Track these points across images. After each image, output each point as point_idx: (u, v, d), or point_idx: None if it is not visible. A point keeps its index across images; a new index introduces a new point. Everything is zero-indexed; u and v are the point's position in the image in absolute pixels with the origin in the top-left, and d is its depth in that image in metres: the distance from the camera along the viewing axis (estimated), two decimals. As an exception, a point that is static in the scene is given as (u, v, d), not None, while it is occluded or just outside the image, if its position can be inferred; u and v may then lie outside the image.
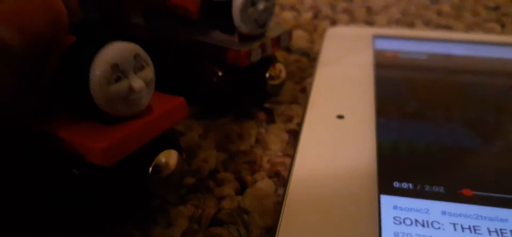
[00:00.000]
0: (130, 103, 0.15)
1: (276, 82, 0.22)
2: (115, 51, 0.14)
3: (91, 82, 0.14)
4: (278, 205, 0.17)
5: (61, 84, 0.15)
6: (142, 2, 0.23)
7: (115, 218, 0.16)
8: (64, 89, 0.15)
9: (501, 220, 0.15)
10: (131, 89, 0.14)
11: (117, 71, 0.14)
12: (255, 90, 0.22)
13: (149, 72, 0.15)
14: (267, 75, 0.22)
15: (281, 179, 0.18)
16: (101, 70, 0.14)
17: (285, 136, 0.21)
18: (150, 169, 0.15)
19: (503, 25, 0.34)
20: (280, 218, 0.15)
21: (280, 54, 0.29)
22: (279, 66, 0.22)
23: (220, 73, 0.21)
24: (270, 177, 0.19)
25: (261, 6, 0.20)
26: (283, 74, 0.22)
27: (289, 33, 0.22)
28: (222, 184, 0.18)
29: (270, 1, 0.21)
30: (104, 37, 0.15)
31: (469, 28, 0.34)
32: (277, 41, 0.22)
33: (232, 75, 0.21)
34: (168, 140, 0.16)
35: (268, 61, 0.22)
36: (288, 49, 0.30)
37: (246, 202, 0.17)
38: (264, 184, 0.18)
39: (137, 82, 0.14)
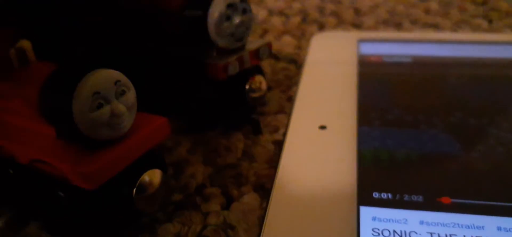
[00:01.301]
0: (112, 128, 0.15)
1: (256, 94, 0.22)
2: (96, 79, 0.15)
3: (74, 110, 0.14)
4: (262, 218, 0.17)
5: (44, 111, 0.16)
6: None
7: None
8: (47, 116, 0.16)
9: (478, 227, 0.15)
10: (113, 114, 0.15)
11: (99, 98, 0.15)
12: (236, 103, 0.22)
13: (130, 96, 0.15)
14: (247, 87, 0.22)
15: (266, 191, 0.19)
16: (83, 99, 0.14)
17: (271, 147, 0.22)
18: (135, 188, 0.16)
19: (490, 21, 0.35)
20: (262, 232, 0.15)
21: (267, 63, 0.29)
22: (259, 78, 0.22)
23: (202, 87, 0.22)
24: (255, 190, 0.19)
25: (236, 20, 0.21)
26: (264, 86, 0.23)
27: (268, 45, 0.23)
28: (208, 199, 0.19)
29: (247, 15, 0.21)
30: (85, 65, 0.15)
31: (456, 25, 0.34)
32: (255, 54, 0.22)
33: (213, 89, 0.22)
34: (152, 158, 0.17)
35: (247, 74, 0.22)
36: (276, 57, 0.30)
37: (232, 217, 0.18)
38: (250, 197, 0.19)
39: (118, 108, 0.15)
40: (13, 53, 0.16)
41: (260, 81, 0.22)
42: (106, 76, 0.15)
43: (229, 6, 0.20)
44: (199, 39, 0.21)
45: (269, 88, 0.26)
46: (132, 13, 0.23)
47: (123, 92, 0.15)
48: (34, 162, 0.16)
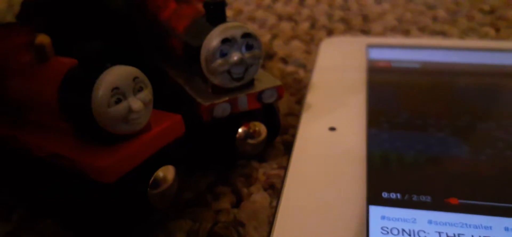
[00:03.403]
0: (130, 123, 0.16)
1: (252, 141, 0.20)
2: (115, 74, 0.15)
3: (93, 105, 0.15)
4: (272, 217, 0.17)
5: (63, 106, 0.16)
6: (157, 37, 0.23)
7: (117, 232, 0.17)
8: (66, 111, 0.16)
9: (485, 227, 0.15)
10: (130, 110, 0.15)
11: (117, 94, 0.15)
12: (224, 150, 0.20)
13: (147, 93, 0.16)
14: (240, 133, 0.19)
15: (276, 191, 0.19)
16: (102, 94, 0.15)
17: (281, 148, 0.22)
18: (149, 184, 0.16)
19: (497, 29, 0.35)
20: (272, 229, 0.16)
21: (276, 67, 0.30)
22: (255, 125, 0.20)
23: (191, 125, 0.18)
24: (265, 189, 0.19)
25: (234, 57, 0.18)
26: (262, 134, 0.20)
27: (278, 89, 0.20)
28: (218, 197, 0.19)
29: (251, 51, 0.18)
30: (103, 62, 0.15)
31: (464, 33, 0.34)
32: (257, 97, 0.19)
33: (200, 130, 0.19)
34: (166, 155, 0.17)
35: (242, 119, 0.19)
36: (285, 61, 0.31)
37: (242, 215, 0.18)
38: (260, 196, 0.19)
39: (136, 104, 0.15)
40: (33, 48, 0.17)
41: (254, 129, 0.19)
42: (124, 72, 0.15)
43: (226, 41, 0.18)
44: (197, 71, 0.19)
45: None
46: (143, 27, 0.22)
47: (140, 89, 0.16)
48: (51, 156, 0.16)
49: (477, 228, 0.15)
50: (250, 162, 0.21)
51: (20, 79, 0.17)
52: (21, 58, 0.17)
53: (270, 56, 0.32)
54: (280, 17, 0.39)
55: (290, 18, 0.39)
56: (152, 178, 0.16)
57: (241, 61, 0.18)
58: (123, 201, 0.16)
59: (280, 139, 0.23)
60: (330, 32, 0.36)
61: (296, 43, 0.34)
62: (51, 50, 0.17)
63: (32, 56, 0.17)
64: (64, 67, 0.16)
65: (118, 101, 0.15)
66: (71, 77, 0.16)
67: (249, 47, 0.18)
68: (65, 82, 0.16)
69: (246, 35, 0.18)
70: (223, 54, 0.18)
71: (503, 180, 0.17)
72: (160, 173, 0.16)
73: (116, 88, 0.15)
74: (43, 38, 0.17)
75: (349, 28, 0.36)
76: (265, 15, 0.40)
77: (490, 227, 0.15)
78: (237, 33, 0.18)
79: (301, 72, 0.29)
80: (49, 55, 0.17)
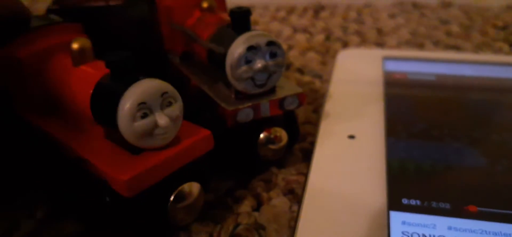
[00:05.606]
0: (155, 138, 0.16)
1: (274, 147, 0.20)
2: (143, 89, 0.15)
3: (118, 117, 0.15)
4: (293, 221, 0.18)
5: (94, 115, 0.16)
6: (180, 45, 0.23)
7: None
8: (97, 117, 0.16)
9: (505, 234, 0.15)
10: (156, 125, 0.15)
11: (144, 109, 0.15)
12: (245, 154, 0.20)
13: (175, 109, 0.16)
14: (262, 138, 0.20)
15: (295, 196, 0.19)
16: (128, 108, 0.15)
17: (299, 154, 0.22)
18: (171, 199, 0.16)
19: (511, 45, 0.35)
20: (295, 233, 0.16)
21: (292, 76, 0.30)
22: (276, 131, 0.20)
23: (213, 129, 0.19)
24: (284, 194, 0.20)
25: (258, 64, 0.19)
26: (283, 140, 0.20)
27: (300, 96, 0.20)
28: (239, 201, 0.19)
29: (275, 59, 0.19)
30: (134, 74, 0.15)
31: (478, 48, 0.35)
32: (279, 103, 0.20)
33: (223, 134, 0.19)
34: (193, 170, 0.17)
35: (263, 124, 0.20)
36: (301, 71, 0.31)
37: (263, 218, 0.18)
38: (279, 201, 0.19)
39: (163, 119, 0.15)
40: (74, 50, 0.17)
41: (275, 135, 0.20)
42: (153, 87, 0.15)
43: (251, 48, 0.18)
44: (221, 77, 0.20)
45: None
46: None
47: (169, 104, 0.16)
48: (79, 159, 0.16)
49: (496, 235, 0.15)
50: (269, 167, 0.21)
51: (59, 78, 0.18)
52: (63, 58, 0.18)
53: (286, 66, 0.32)
54: (295, 29, 0.40)
55: (305, 30, 0.40)
56: (175, 193, 0.16)
57: (265, 68, 0.19)
58: (142, 213, 0.16)
59: (298, 146, 0.23)
60: (345, 45, 0.36)
61: (311, 55, 0.34)
62: (90, 53, 0.17)
63: (72, 57, 0.17)
64: (99, 73, 0.16)
65: (144, 116, 0.15)
66: (102, 86, 0.16)
67: (272, 55, 0.19)
68: (97, 89, 0.16)
69: (271, 43, 0.19)
70: (248, 61, 0.19)
71: (522, 190, 0.18)
72: (184, 188, 0.16)
73: (143, 103, 0.15)
74: (83, 42, 0.17)
75: (363, 41, 0.37)
76: (281, 27, 0.41)
77: (510, 235, 0.15)
78: (262, 41, 0.19)
79: (318, 83, 0.30)
80: (88, 58, 0.17)
